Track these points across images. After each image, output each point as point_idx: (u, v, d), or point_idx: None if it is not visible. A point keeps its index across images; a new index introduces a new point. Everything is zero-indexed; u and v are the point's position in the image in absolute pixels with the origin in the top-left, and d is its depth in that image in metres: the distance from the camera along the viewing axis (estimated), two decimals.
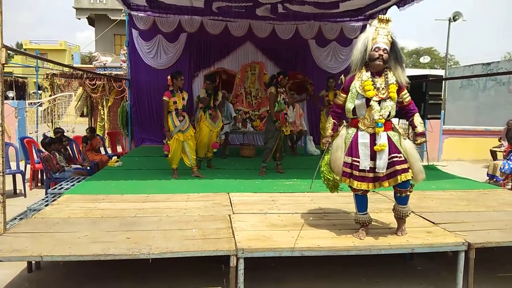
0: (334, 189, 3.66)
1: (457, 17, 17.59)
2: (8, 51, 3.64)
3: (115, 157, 8.05)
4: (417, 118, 3.47)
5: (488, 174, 7.87)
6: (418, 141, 3.47)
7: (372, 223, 3.87)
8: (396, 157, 3.26)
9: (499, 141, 9.71)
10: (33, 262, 3.67)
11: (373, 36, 3.24)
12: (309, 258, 3.45)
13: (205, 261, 3.50)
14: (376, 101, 3.24)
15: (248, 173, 6.28)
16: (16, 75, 25.84)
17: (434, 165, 8.34)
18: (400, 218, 3.57)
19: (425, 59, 26.02)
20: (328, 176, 3.56)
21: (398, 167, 3.25)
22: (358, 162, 3.28)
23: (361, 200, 3.51)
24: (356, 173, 3.30)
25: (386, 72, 3.29)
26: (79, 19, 23.06)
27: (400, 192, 3.43)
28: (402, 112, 3.53)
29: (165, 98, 5.67)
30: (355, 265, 3.93)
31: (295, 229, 3.65)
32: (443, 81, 14.18)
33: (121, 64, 13.05)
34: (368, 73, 3.28)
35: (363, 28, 10.27)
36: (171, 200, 4.61)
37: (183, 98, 5.77)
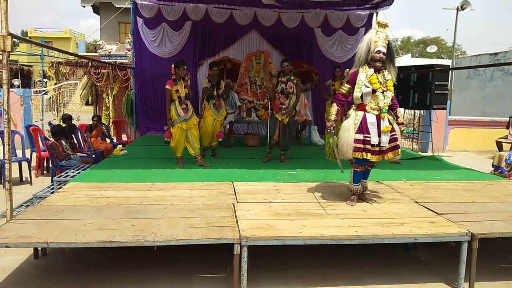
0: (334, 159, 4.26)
1: (465, 6, 17.37)
2: (14, 39, 3.65)
3: (120, 145, 8.09)
4: (399, 111, 4.26)
5: (493, 165, 7.84)
6: (402, 129, 4.22)
7: (376, 212, 3.91)
8: (396, 134, 4.05)
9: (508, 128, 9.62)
10: (39, 248, 3.73)
11: (374, 39, 3.93)
12: (312, 247, 3.48)
13: (209, 249, 3.54)
14: (381, 92, 3.93)
15: (252, 163, 6.30)
16: (22, 63, 25.88)
17: (439, 155, 8.30)
18: (363, 192, 4.29)
19: (432, 49, 25.80)
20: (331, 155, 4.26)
21: (397, 142, 4.05)
22: (370, 137, 3.92)
23: (358, 174, 4.19)
24: (368, 147, 3.94)
25: (383, 70, 4.00)
26: (84, 7, 22.96)
27: (369, 166, 4.20)
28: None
29: (167, 86, 5.71)
30: (358, 254, 3.95)
31: (299, 218, 3.67)
32: (450, 71, 14.07)
33: (126, 52, 13.02)
34: (372, 70, 3.96)
35: (370, 17, 10.17)
36: (175, 188, 4.64)
37: (185, 87, 5.78)
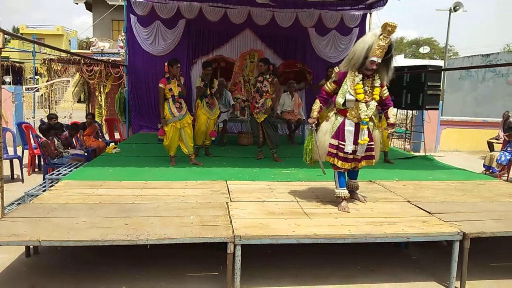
0: (313, 164, 4.16)
1: (458, 7, 17.49)
2: (5, 36, 3.61)
3: (113, 143, 8.04)
4: (391, 111, 4.03)
5: (484, 165, 7.92)
6: (389, 131, 4.11)
7: (369, 212, 3.93)
8: (373, 144, 3.91)
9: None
10: (31, 247, 3.69)
11: (375, 46, 3.63)
12: (305, 245, 3.49)
13: (202, 248, 3.54)
14: (364, 102, 3.77)
15: (246, 161, 6.30)
16: (13, 60, 25.63)
17: (431, 155, 8.36)
18: (353, 191, 4.23)
19: (424, 50, 25.99)
20: (310, 154, 4.11)
21: (373, 153, 3.94)
22: (344, 145, 3.83)
23: (342, 177, 4.04)
24: (341, 154, 3.86)
25: (374, 76, 3.82)
26: (77, 3, 22.81)
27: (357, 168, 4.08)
28: (380, 104, 3.98)
29: (160, 85, 5.69)
30: (351, 253, 3.97)
31: (292, 217, 3.68)
32: (442, 72, 14.16)
33: (118, 50, 12.93)
34: (360, 76, 3.77)
35: (364, 17, 10.21)
36: (169, 187, 4.62)
37: (178, 85, 5.77)
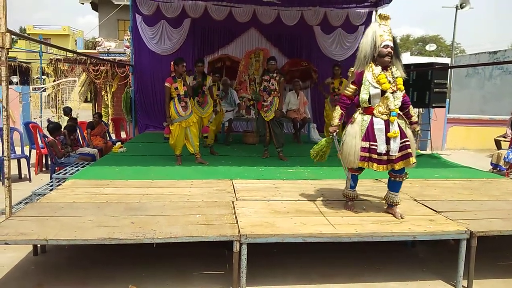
0: (320, 159, 3.93)
1: (464, 4, 17.36)
2: (12, 36, 3.64)
3: (119, 143, 8.08)
4: (412, 109, 3.80)
5: (491, 164, 7.85)
6: (417, 129, 3.79)
7: (375, 211, 3.91)
8: (407, 141, 3.60)
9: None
10: (38, 245, 3.73)
11: (379, 33, 3.54)
12: (311, 244, 3.48)
13: (208, 246, 3.55)
14: (391, 92, 3.55)
15: (251, 160, 6.30)
16: (20, 60, 25.82)
17: (438, 153, 8.31)
18: (391, 206, 3.82)
19: (431, 47, 25.85)
20: (322, 150, 3.87)
21: (409, 150, 3.58)
22: (376, 146, 3.56)
23: (355, 179, 3.91)
24: (375, 156, 3.58)
25: (391, 67, 3.62)
26: (83, 3, 22.95)
27: (396, 177, 3.73)
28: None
29: (166, 84, 5.71)
30: (357, 252, 3.96)
31: (298, 216, 3.68)
32: (449, 70, 14.06)
33: (124, 49, 13.00)
34: (379, 68, 3.57)
35: (369, 14, 10.18)
36: (175, 186, 4.64)
37: (184, 84, 5.78)
